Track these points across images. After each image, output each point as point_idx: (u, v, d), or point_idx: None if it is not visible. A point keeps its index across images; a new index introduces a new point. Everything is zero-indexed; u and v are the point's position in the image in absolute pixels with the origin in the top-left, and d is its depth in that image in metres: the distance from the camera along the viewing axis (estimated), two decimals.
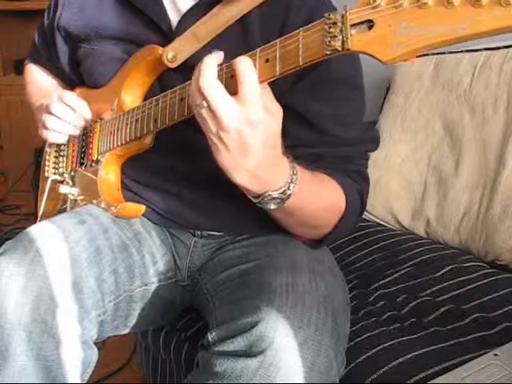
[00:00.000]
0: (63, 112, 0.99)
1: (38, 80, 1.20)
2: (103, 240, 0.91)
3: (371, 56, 0.59)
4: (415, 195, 1.45)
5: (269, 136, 0.69)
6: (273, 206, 0.77)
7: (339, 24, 0.60)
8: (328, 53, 0.62)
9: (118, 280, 0.91)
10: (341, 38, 0.60)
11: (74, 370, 0.83)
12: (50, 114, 0.99)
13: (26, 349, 0.78)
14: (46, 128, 1.00)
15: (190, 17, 0.88)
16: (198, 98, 0.68)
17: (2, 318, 0.78)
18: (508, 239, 1.25)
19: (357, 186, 0.90)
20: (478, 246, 1.30)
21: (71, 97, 1.00)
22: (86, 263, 0.86)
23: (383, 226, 1.48)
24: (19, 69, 2.87)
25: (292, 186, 0.75)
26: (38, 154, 2.28)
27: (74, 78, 1.09)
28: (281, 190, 0.75)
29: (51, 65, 1.16)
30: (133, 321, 0.97)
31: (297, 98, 0.86)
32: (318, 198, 0.83)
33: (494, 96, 1.34)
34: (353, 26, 0.60)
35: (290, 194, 0.76)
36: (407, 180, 1.47)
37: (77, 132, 1.02)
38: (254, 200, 0.78)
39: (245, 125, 0.67)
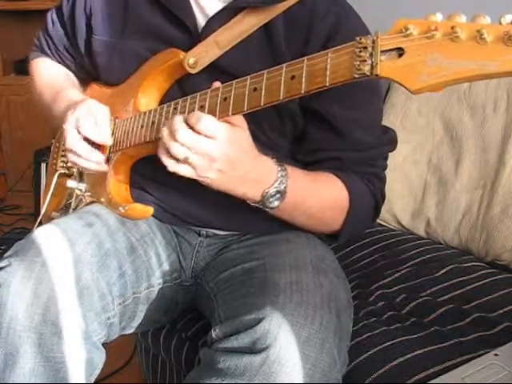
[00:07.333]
0: (84, 151, 0.93)
1: (49, 76, 1.12)
2: (111, 243, 0.92)
3: (399, 84, 0.59)
4: (415, 195, 1.45)
5: (244, 141, 0.77)
6: (276, 203, 0.81)
7: (369, 49, 0.61)
8: (356, 76, 0.62)
9: (127, 282, 0.92)
10: (370, 62, 0.61)
11: (82, 372, 0.84)
12: (71, 151, 0.93)
13: (35, 351, 0.79)
14: (73, 163, 0.96)
15: (217, 20, 0.89)
16: (181, 152, 0.74)
17: (13, 320, 0.79)
18: (508, 239, 1.25)
19: (370, 186, 0.92)
20: (478, 246, 1.30)
21: (93, 134, 0.92)
22: (95, 267, 0.87)
23: (383, 225, 1.48)
24: (19, 69, 2.86)
25: (285, 179, 0.81)
26: (38, 154, 2.28)
27: (90, 67, 1.06)
28: (276, 184, 0.80)
29: (63, 56, 1.11)
30: (138, 321, 0.97)
31: (322, 103, 0.87)
32: (315, 191, 0.87)
33: (493, 96, 1.34)
34: (383, 52, 0.60)
35: (285, 187, 0.81)
36: (407, 180, 1.46)
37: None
38: (259, 205, 0.82)
39: (226, 146, 0.74)
